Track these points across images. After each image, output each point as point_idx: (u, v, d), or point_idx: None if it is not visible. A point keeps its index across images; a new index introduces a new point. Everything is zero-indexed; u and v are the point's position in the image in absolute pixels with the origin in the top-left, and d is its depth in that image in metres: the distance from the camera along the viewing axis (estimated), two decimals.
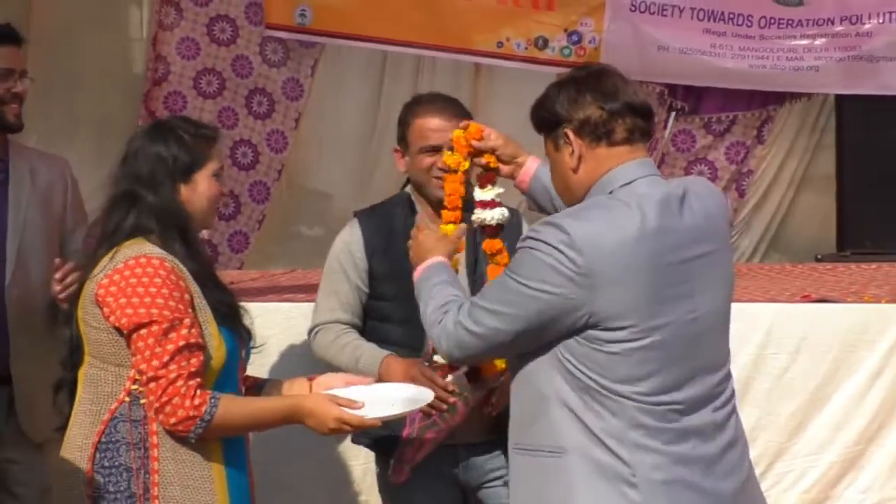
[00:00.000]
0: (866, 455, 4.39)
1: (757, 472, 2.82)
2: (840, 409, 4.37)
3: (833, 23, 6.60)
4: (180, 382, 2.75)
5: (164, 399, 2.76)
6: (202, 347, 2.81)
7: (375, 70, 6.96)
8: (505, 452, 2.77)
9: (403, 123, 3.50)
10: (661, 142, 6.87)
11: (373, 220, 3.51)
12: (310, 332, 3.56)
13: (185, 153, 2.93)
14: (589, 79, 2.64)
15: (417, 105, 3.51)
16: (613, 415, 2.49)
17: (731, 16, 6.63)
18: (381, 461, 3.54)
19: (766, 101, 6.93)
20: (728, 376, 2.65)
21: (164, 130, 2.97)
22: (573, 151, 2.61)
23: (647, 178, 2.58)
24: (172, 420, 2.77)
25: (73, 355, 2.93)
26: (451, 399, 3.22)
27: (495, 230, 3.15)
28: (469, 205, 3.21)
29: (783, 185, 7.11)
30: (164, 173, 2.91)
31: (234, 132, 6.78)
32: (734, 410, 2.65)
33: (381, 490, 3.63)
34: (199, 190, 2.94)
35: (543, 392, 2.55)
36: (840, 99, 6.78)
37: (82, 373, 2.90)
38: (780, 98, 6.92)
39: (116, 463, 2.81)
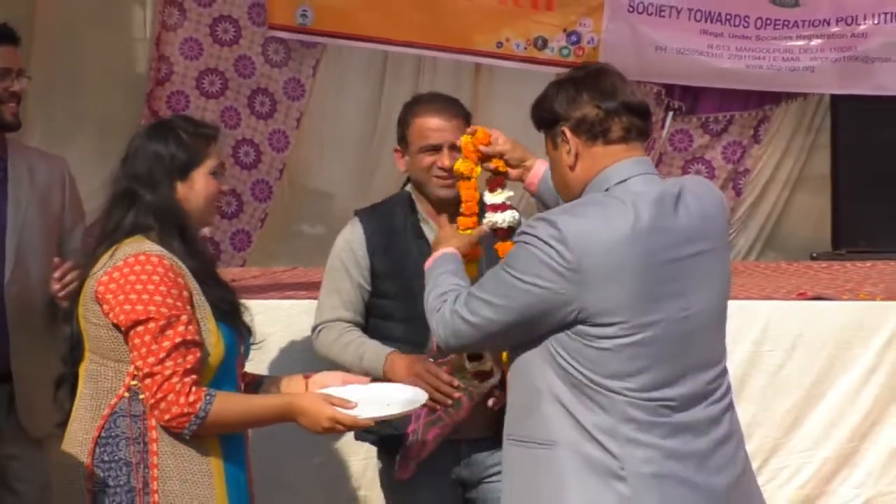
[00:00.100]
0: (860, 451, 4.40)
1: (753, 467, 2.81)
2: (835, 405, 4.38)
3: (829, 24, 6.61)
4: (175, 379, 2.76)
5: (160, 395, 2.77)
6: (199, 345, 2.81)
7: (376, 70, 6.96)
8: None
9: (403, 123, 3.51)
10: (658, 141, 6.87)
11: (374, 219, 3.52)
12: (313, 330, 3.56)
13: (183, 151, 2.93)
14: (587, 78, 2.65)
15: (417, 105, 3.52)
16: (604, 410, 2.50)
17: (728, 17, 6.64)
18: (385, 457, 3.54)
19: (762, 102, 6.94)
20: (724, 373, 2.66)
21: (163, 129, 2.98)
22: (570, 149, 2.63)
23: (643, 177, 2.59)
24: (167, 416, 2.78)
25: (74, 352, 2.95)
26: (456, 394, 3.24)
27: (507, 233, 3.14)
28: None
29: (779, 184, 7.11)
30: (162, 171, 2.92)
31: (237, 132, 6.80)
32: (730, 406, 2.66)
33: (383, 486, 3.63)
34: (197, 188, 2.95)
35: (536, 385, 2.57)
36: (835, 99, 6.78)
37: (83, 369, 2.92)
38: (776, 98, 6.93)
39: (116, 457, 2.82)
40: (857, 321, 4.39)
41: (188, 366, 2.78)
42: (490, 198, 3.17)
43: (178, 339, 2.78)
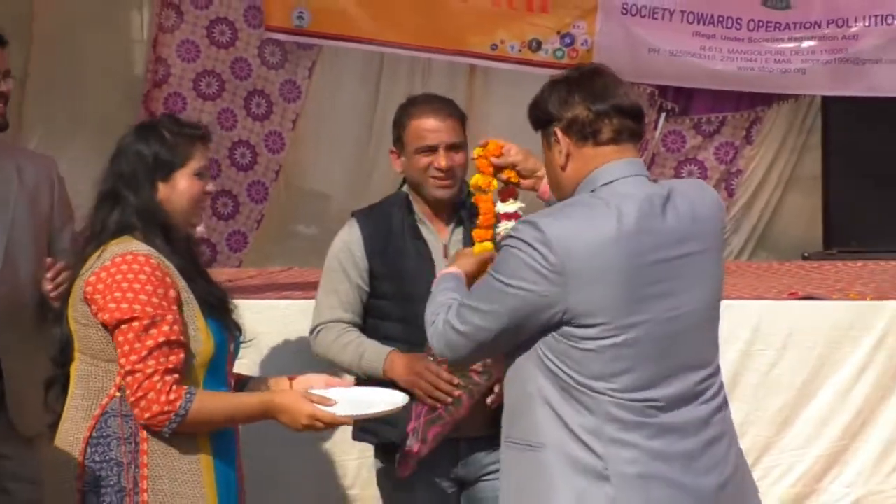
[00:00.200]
0: (851, 450, 4.42)
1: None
2: (826, 404, 4.40)
3: (820, 25, 6.61)
4: (157, 378, 2.77)
5: (140, 394, 2.77)
6: (183, 345, 2.82)
7: (372, 72, 6.96)
8: None
9: (399, 125, 3.52)
10: (651, 142, 6.86)
11: (371, 220, 3.52)
12: (311, 331, 3.56)
13: (166, 151, 2.93)
14: (580, 79, 2.66)
15: (412, 106, 3.53)
16: (589, 410, 2.51)
17: (721, 19, 6.64)
18: (383, 456, 3.54)
19: (754, 103, 6.92)
20: (715, 373, 2.66)
21: (148, 129, 2.99)
22: (562, 150, 2.64)
23: (632, 178, 2.59)
24: (147, 415, 2.78)
25: (64, 352, 2.95)
26: (456, 392, 3.27)
27: None
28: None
29: (771, 184, 7.11)
30: (145, 172, 2.92)
31: (233, 133, 6.81)
32: (721, 406, 2.66)
33: (380, 485, 3.63)
34: (179, 188, 2.94)
35: (528, 389, 2.58)
36: (826, 100, 6.78)
37: (74, 369, 2.92)
38: (768, 99, 6.92)
39: (107, 457, 2.83)
40: (847, 321, 4.40)
41: (170, 365, 2.79)
42: (503, 207, 3.21)
43: (161, 339, 2.78)
